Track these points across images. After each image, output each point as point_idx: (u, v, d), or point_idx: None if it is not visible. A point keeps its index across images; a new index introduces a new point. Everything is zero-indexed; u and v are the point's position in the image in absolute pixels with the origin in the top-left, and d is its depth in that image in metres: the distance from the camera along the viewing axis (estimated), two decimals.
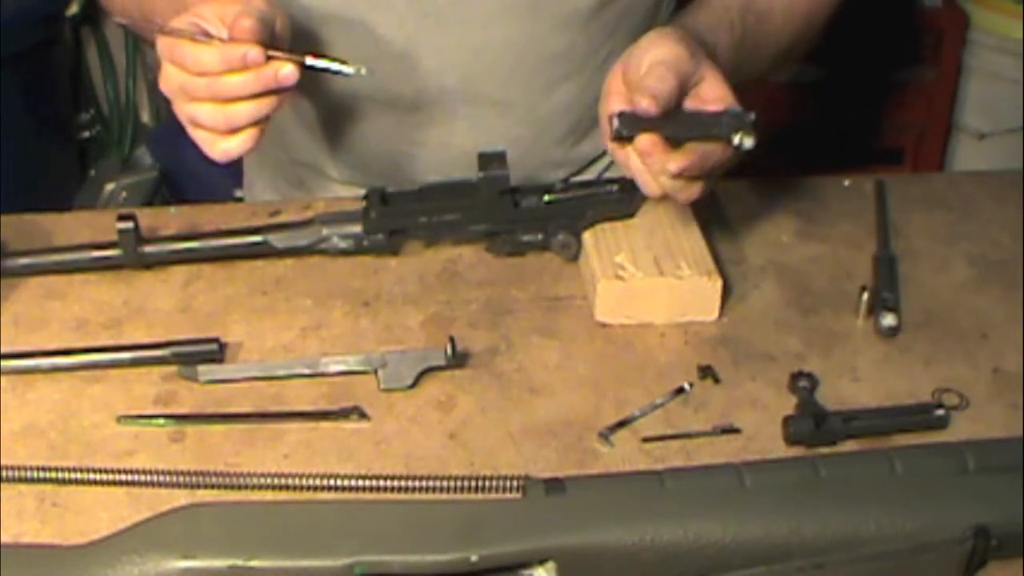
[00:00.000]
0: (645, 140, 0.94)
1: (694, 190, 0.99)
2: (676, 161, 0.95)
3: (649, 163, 0.96)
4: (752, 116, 0.95)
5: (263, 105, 0.97)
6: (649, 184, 0.98)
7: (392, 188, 1.13)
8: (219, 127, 0.98)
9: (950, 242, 1.16)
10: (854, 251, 1.14)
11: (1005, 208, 1.21)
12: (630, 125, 0.95)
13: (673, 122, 0.95)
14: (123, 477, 0.87)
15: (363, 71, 0.99)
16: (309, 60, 0.98)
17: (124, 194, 2.50)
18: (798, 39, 1.18)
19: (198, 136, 1.00)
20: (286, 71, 0.96)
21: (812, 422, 0.91)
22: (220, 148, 0.99)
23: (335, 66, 0.99)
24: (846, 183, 1.24)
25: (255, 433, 0.93)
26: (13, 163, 2.14)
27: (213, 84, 0.96)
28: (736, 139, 0.95)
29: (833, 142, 2.28)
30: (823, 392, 0.97)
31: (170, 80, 0.98)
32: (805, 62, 2.26)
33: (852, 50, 2.20)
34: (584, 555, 0.75)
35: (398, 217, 1.09)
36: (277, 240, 1.09)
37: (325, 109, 1.23)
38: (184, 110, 0.99)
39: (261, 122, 0.98)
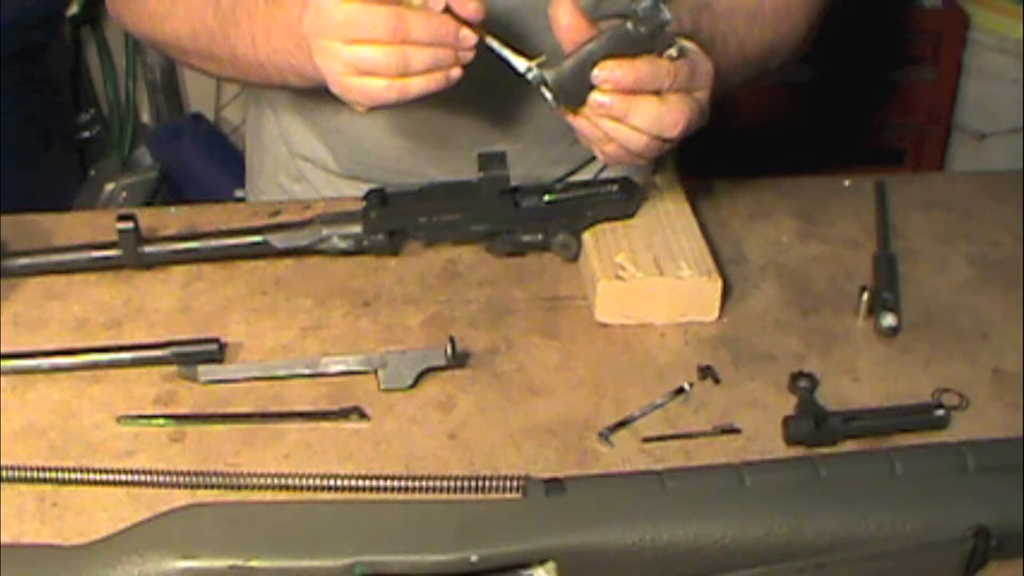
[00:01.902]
0: (595, 97, 0.93)
1: (678, 114, 0.95)
2: (629, 71, 0.92)
3: (617, 111, 0.94)
4: (666, 15, 0.94)
5: (440, 56, 0.94)
6: (631, 138, 0.96)
7: (391, 184, 1.13)
8: (392, 70, 0.93)
9: (950, 242, 1.16)
10: (854, 251, 1.14)
11: (1005, 208, 1.21)
12: (562, 83, 0.94)
13: (597, 49, 0.93)
14: (123, 477, 0.87)
15: (531, 74, 0.95)
16: (490, 41, 0.96)
17: (124, 194, 2.50)
18: (768, 46, 1.15)
19: (358, 86, 0.96)
20: (466, 34, 0.94)
21: (812, 422, 0.91)
22: (396, 88, 0.94)
23: (511, 58, 0.96)
24: (846, 183, 1.24)
25: (255, 433, 0.93)
26: (13, 163, 2.14)
27: (394, 18, 0.91)
28: (669, 52, 0.94)
29: (833, 142, 2.29)
30: (823, 392, 0.97)
31: (328, 15, 0.93)
32: (804, 62, 2.27)
33: (852, 50, 2.21)
34: (584, 555, 0.75)
35: (398, 217, 1.09)
36: (277, 240, 1.09)
37: (327, 103, 1.23)
38: (341, 54, 0.94)
39: (436, 76, 0.95)
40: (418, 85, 0.95)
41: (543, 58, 0.96)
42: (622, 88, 0.94)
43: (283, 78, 1.07)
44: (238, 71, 1.12)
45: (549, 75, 0.94)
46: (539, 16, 1.02)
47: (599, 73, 0.93)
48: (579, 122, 0.97)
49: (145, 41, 1.26)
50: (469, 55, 0.96)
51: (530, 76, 0.96)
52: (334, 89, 0.98)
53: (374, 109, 0.99)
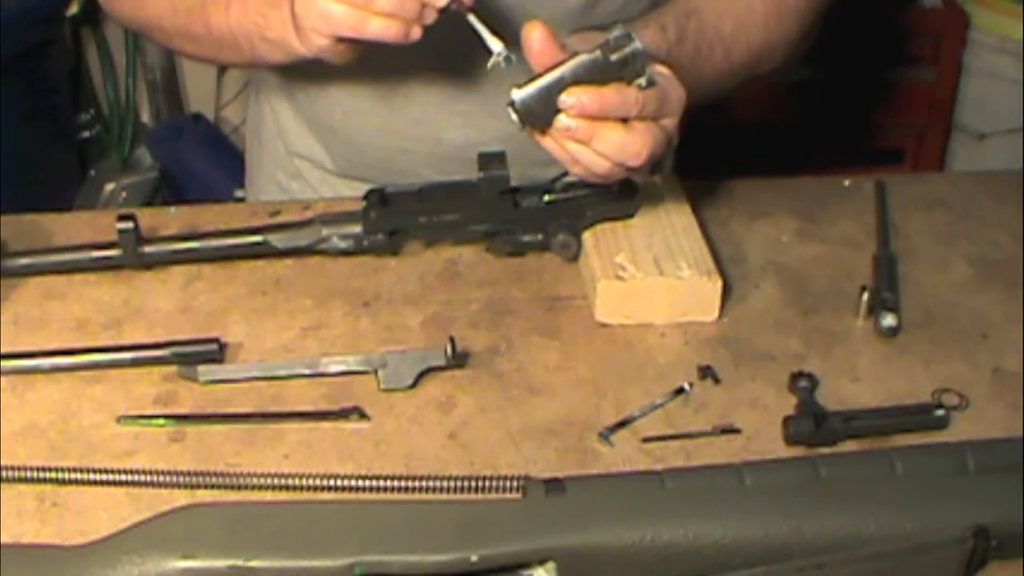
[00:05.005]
0: (561, 120, 0.94)
1: (641, 144, 0.96)
2: (598, 98, 0.93)
3: (582, 135, 0.95)
4: (637, 45, 0.94)
5: (407, 5, 0.94)
6: (595, 162, 0.97)
7: (388, 182, 1.14)
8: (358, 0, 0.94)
9: (950, 242, 1.16)
10: (854, 251, 1.14)
11: (1005, 208, 1.21)
12: (529, 106, 0.94)
13: (566, 73, 0.94)
14: (123, 477, 0.87)
15: (502, 60, 0.97)
16: (471, 17, 0.97)
17: (124, 194, 2.50)
18: (756, 54, 1.15)
19: (321, 6, 0.96)
20: None
21: (812, 422, 0.91)
22: (355, 18, 0.95)
23: (487, 36, 0.98)
24: (846, 183, 1.24)
25: (255, 433, 0.93)
26: (13, 163, 2.14)
27: None
28: (639, 81, 0.95)
29: (833, 142, 2.29)
30: (823, 392, 0.97)
31: None
32: (803, 62, 2.27)
33: (852, 50, 2.21)
34: (584, 555, 0.75)
35: (398, 217, 1.09)
36: (277, 240, 1.09)
37: (321, 102, 1.24)
38: None
39: (396, 23, 0.95)
40: (376, 25, 0.96)
41: (505, 55, 0.97)
42: (588, 114, 0.94)
43: (252, 46, 1.08)
44: (212, 46, 1.13)
45: (516, 96, 0.95)
46: (527, 17, 1.02)
47: (566, 98, 0.94)
48: (546, 142, 0.98)
49: (127, 24, 1.28)
50: (432, 15, 0.96)
51: (501, 59, 0.97)
52: (300, 15, 0.98)
53: (336, 50, 0.99)
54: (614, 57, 0.94)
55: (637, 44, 0.94)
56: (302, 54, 1.03)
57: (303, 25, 0.99)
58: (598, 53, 0.94)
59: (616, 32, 0.94)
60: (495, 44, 0.98)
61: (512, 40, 0.99)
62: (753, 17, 1.13)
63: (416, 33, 0.97)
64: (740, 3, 1.13)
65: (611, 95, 0.94)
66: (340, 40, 0.98)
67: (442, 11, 0.96)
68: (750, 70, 1.16)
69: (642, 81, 0.95)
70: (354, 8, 0.95)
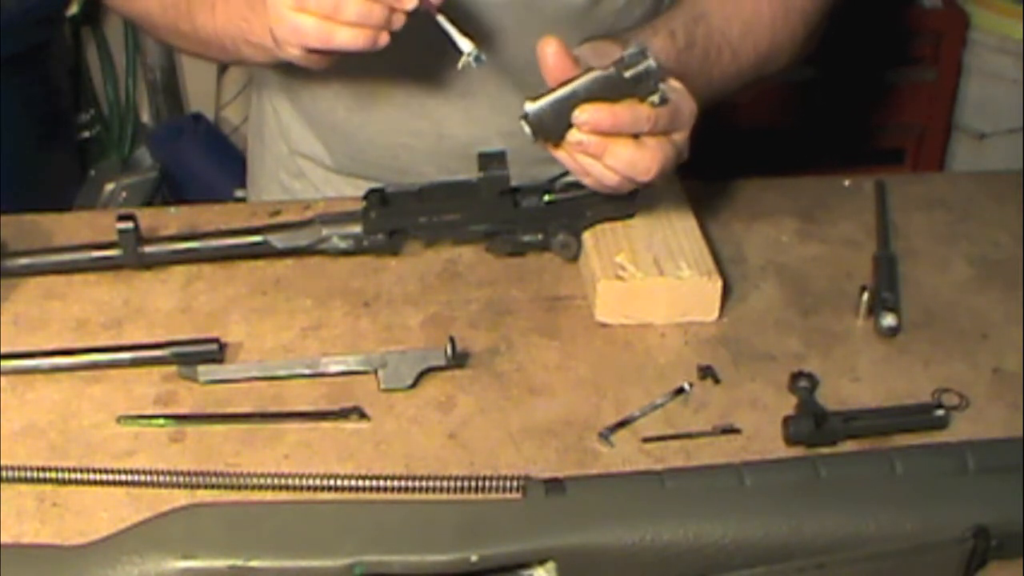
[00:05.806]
0: (574, 134, 0.95)
1: (651, 160, 0.96)
2: (612, 114, 0.93)
3: (594, 150, 0.96)
4: (651, 63, 0.95)
5: (374, 13, 0.95)
6: (605, 175, 0.97)
7: (391, 180, 1.14)
8: (323, 7, 0.95)
9: (950, 242, 1.16)
10: (854, 251, 1.14)
11: (1005, 208, 1.21)
12: (541, 119, 0.95)
13: (579, 89, 0.95)
14: (123, 477, 0.87)
15: (472, 60, 0.98)
16: (440, 18, 0.98)
17: (124, 194, 2.50)
18: (763, 55, 1.16)
19: (290, 20, 0.97)
20: None
21: (812, 422, 0.91)
22: (323, 30, 0.96)
23: (457, 36, 0.98)
24: (846, 183, 1.24)
25: (255, 433, 0.93)
26: (13, 163, 2.14)
27: None
28: (651, 99, 0.95)
29: (833, 142, 2.28)
30: (823, 392, 0.97)
31: None
32: (803, 62, 2.26)
33: (852, 50, 2.21)
34: (584, 555, 0.75)
35: (398, 217, 1.09)
36: (277, 240, 1.09)
37: (323, 99, 1.24)
38: None
39: (365, 32, 0.96)
40: (344, 35, 0.96)
41: (475, 54, 0.98)
42: (600, 131, 0.95)
43: (236, 48, 1.09)
44: (199, 44, 1.14)
45: (530, 109, 0.95)
46: (531, 13, 1.02)
47: (579, 115, 0.94)
48: (558, 153, 0.98)
49: (122, 15, 1.28)
50: (401, 20, 0.97)
51: (471, 59, 0.98)
52: (273, 27, 0.99)
53: (311, 59, 1.00)
54: (628, 74, 0.94)
55: (651, 62, 0.95)
56: (284, 58, 1.03)
57: (276, 36, 1.00)
58: (612, 70, 0.94)
59: (631, 49, 0.95)
60: (465, 44, 0.99)
61: (518, 36, 0.98)
62: (760, 20, 1.14)
63: (384, 39, 0.98)
64: (747, 6, 1.13)
65: (624, 112, 0.95)
66: (312, 50, 0.99)
67: (411, 14, 0.97)
68: (757, 72, 1.16)
69: (655, 99, 0.95)
70: (322, 20, 0.96)
